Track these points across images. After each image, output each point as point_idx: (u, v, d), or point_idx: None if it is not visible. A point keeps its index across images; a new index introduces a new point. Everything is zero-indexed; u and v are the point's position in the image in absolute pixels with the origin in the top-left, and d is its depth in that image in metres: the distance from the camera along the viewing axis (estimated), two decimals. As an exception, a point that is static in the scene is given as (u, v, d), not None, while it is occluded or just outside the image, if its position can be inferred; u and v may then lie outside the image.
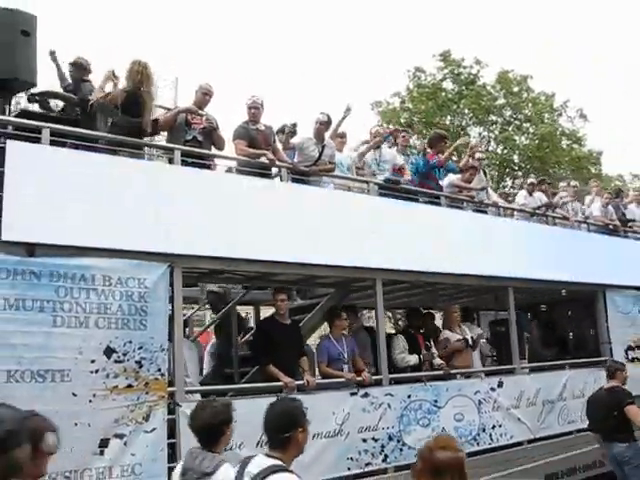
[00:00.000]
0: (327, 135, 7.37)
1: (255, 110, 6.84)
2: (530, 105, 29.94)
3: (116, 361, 5.36)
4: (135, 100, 5.83)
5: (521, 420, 7.93)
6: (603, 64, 60.46)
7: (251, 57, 70.90)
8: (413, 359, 7.44)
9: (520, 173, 29.84)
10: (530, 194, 9.34)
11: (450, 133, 29.04)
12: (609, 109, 59.08)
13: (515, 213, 8.91)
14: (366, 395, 6.71)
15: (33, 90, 6.32)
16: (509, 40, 52.50)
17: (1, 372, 4.90)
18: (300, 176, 6.87)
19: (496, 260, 7.96)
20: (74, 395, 5.14)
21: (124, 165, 5.77)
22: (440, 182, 8.22)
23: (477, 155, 8.81)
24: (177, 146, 6.09)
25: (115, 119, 5.82)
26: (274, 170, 6.85)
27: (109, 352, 5.35)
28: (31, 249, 5.20)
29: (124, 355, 5.41)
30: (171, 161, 6.08)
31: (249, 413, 5.78)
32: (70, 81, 6.59)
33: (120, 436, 5.33)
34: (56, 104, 6.46)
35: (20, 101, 7.40)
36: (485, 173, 9.19)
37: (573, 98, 34.58)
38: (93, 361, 5.26)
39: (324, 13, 71.16)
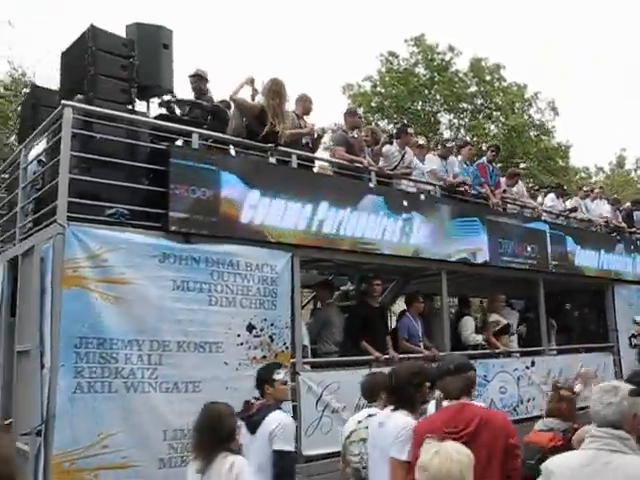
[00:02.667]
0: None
1: (353, 118, 7.82)
2: (501, 94, 30.35)
3: (255, 336, 6.33)
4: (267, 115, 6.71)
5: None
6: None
7: (222, 38, 70.72)
8: (480, 338, 8.56)
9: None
10: (557, 197, 10.59)
11: (420, 119, 30.04)
12: (580, 102, 60.68)
13: (544, 214, 10.11)
14: (436, 368, 7.81)
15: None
16: (483, 28, 53.32)
17: (173, 342, 5.82)
18: (384, 178, 7.88)
19: (531, 256, 9.19)
20: (225, 364, 6.09)
21: (262, 168, 6.71)
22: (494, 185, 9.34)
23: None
24: (295, 151, 7.01)
25: (249, 125, 6.69)
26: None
27: (250, 328, 6.31)
28: (187, 238, 6.09)
29: (261, 331, 6.37)
30: (286, 163, 7.00)
31: (348, 381, 6.90)
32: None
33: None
34: (182, 109, 7.25)
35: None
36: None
37: (544, 89, 35.58)
38: (239, 335, 6.22)
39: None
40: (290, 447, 4.53)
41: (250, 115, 6.72)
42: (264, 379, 4.87)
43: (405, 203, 7.80)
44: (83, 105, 5.82)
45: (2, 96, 21.33)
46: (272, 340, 6.44)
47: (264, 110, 6.66)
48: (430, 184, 8.39)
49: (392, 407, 4.11)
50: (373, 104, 30.37)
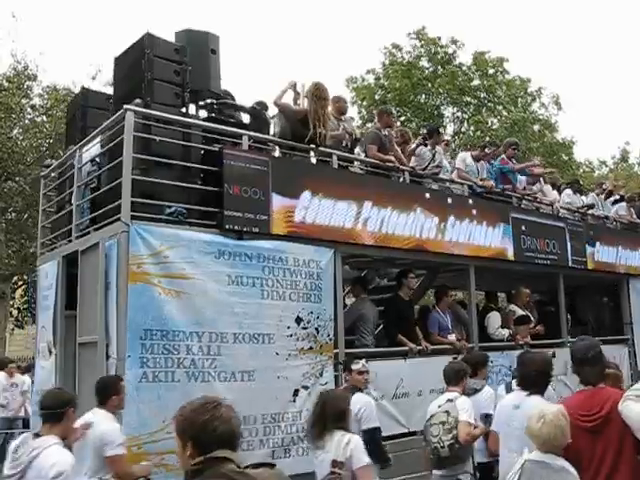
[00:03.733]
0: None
1: (389, 118, 8.17)
2: (504, 88, 30.25)
3: (303, 328, 6.67)
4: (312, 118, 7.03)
5: (567, 385, 9.51)
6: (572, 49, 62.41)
7: (222, 30, 70.67)
8: (506, 333, 8.91)
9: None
10: (574, 193, 10.97)
11: (424, 112, 30.25)
12: (583, 96, 60.85)
13: (561, 210, 10.47)
14: (463, 361, 8.16)
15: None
16: (487, 22, 53.41)
17: (230, 334, 6.15)
18: (416, 177, 8.23)
19: (551, 252, 9.57)
20: (277, 354, 6.43)
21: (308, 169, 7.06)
22: (516, 184, 9.70)
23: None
24: (335, 151, 7.34)
25: (293, 128, 7.03)
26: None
27: (298, 320, 6.64)
28: (240, 235, 6.42)
29: (308, 323, 6.71)
30: (327, 163, 7.33)
31: (385, 371, 7.25)
32: None
33: (305, 387, 6.64)
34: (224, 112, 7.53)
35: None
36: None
37: (549, 84, 35.68)
38: (288, 327, 6.56)
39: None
40: (376, 424, 5.09)
41: (294, 119, 7.05)
42: (345, 368, 5.34)
43: (437, 202, 8.13)
44: (143, 109, 6.13)
45: (5, 89, 21.57)
46: (318, 332, 6.78)
47: (307, 114, 6.98)
48: (459, 183, 8.72)
49: (526, 392, 4.59)
50: (377, 97, 30.58)
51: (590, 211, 10.91)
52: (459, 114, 31.88)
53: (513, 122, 29.51)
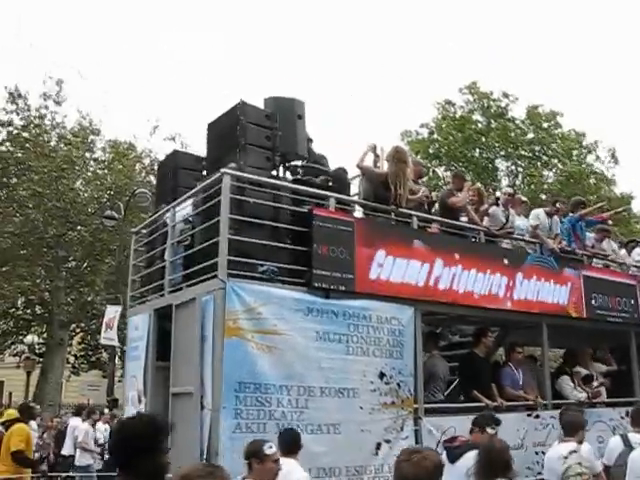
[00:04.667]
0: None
1: (461, 181, 8.47)
2: (559, 141, 30.50)
3: (386, 383, 6.88)
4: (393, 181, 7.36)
5: (639, 443, 9.46)
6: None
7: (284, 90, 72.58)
8: (583, 396, 8.93)
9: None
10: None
11: (477, 166, 30.39)
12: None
13: (632, 268, 10.52)
14: (537, 417, 8.22)
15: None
16: (540, 76, 53.74)
17: (317, 388, 6.41)
18: (491, 237, 8.46)
19: (623, 309, 9.64)
20: (361, 408, 6.64)
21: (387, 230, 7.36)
22: (585, 241, 9.84)
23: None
24: (415, 212, 7.64)
25: (376, 190, 7.36)
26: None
27: (381, 376, 6.86)
28: (327, 293, 6.71)
29: (390, 378, 6.92)
30: (408, 224, 7.62)
31: (462, 427, 7.35)
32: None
33: (387, 441, 6.81)
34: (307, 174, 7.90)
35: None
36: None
37: (603, 137, 35.52)
38: (372, 382, 6.78)
39: (349, 41, 72.92)
40: None
41: (377, 181, 7.39)
42: (478, 425, 5.81)
43: (507, 261, 8.33)
44: (239, 173, 6.51)
45: (70, 143, 22.56)
46: (399, 387, 6.98)
47: (388, 176, 7.31)
48: (533, 242, 8.91)
49: None
50: (430, 150, 31.04)
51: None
52: (513, 167, 32.19)
53: (569, 175, 29.57)
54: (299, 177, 7.54)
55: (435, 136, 31.40)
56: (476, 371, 7.97)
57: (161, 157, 23.84)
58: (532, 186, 30.11)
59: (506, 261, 8.29)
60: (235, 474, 5.80)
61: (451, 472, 5.05)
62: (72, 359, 26.39)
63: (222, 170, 6.40)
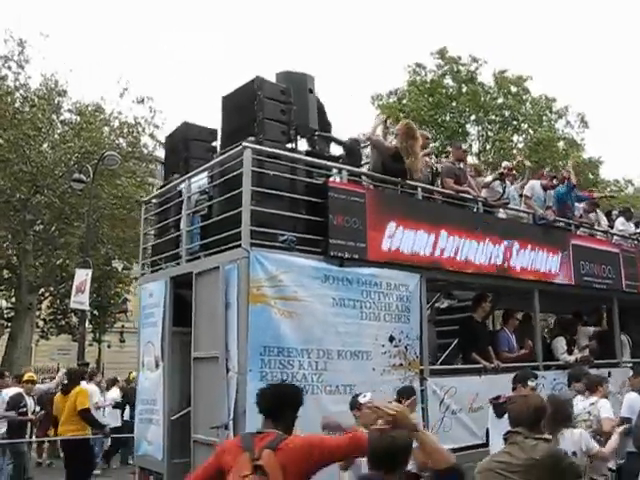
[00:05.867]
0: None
1: (460, 152, 8.83)
2: (529, 106, 31.03)
3: (395, 346, 7.29)
4: (401, 155, 7.69)
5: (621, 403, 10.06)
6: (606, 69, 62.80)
7: (251, 49, 72.16)
8: (572, 358, 9.47)
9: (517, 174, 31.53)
10: (627, 221, 11.57)
11: (446, 130, 30.70)
12: (609, 115, 61.32)
13: (614, 237, 11.07)
14: (530, 378, 8.73)
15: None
16: (507, 40, 54.19)
17: (334, 351, 6.78)
18: (488, 207, 8.87)
19: (607, 277, 10.18)
20: (373, 370, 7.04)
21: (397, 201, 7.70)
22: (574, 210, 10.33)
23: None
24: (420, 184, 7.99)
25: (385, 162, 7.69)
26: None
27: (391, 339, 7.26)
28: (341, 262, 7.05)
29: (399, 342, 7.33)
30: (413, 195, 7.98)
31: (462, 387, 7.83)
32: None
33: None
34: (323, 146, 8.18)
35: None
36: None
37: (572, 102, 35.81)
38: (383, 345, 7.18)
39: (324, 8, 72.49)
40: None
41: (386, 154, 7.71)
42: (519, 381, 6.57)
43: (507, 230, 8.76)
44: (260, 147, 6.77)
45: (36, 105, 22.15)
46: (407, 350, 7.39)
47: (398, 150, 7.64)
48: (526, 212, 9.36)
49: None
50: (402, 114, 31.13)
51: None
52: (483, 132, 32.61)
53: (538, 140, 30.03)
54: (311, 149, 7.77)
55: (405, 101, 31.50)
56: (474, 334, 8.43)
57: (131, 120, 23.92)
58: (502, 151, 30.49)
59: (503, 230, 8.70)
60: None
61: (500, 426, 5.86)
62: (41, 323, 26.18)
63: (244, 144, 6.64)
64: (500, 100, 31.34)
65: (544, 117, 31.23)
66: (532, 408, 3.96)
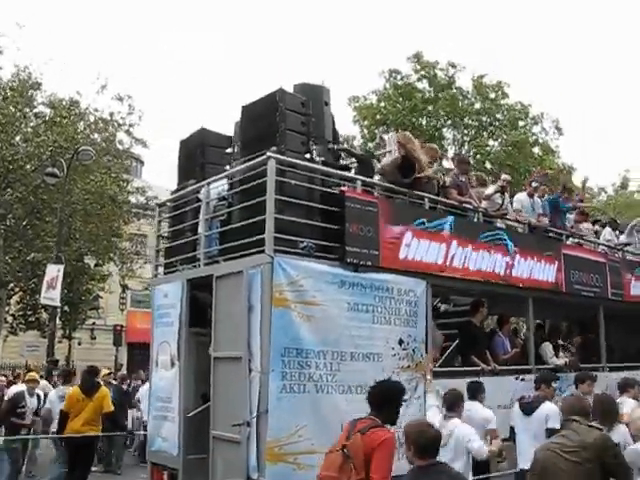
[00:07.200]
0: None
1: (466, 166, 9.26)
2: (505, 112, 31.31)
3: (403, 349, 7.67)
4: (406, 164, 8.09)
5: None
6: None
7: (251, 49, 72.14)
8: (560, 362, 9.96)
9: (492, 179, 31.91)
10: (614, 230, 12.12)
11: (424, 134, 30.98)
12: (583, 123, 62.23)
13: (600, 247, 11.61)
14: (523, 380, 9.18)
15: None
16: (488, 49, 54.77)
17: (348, 353, 7.15)
18: (488, 218, 9.32)
19: (595, 285, 10.72)
20: (383, 371, 7.37)
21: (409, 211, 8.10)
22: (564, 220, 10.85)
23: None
24: (424, 194, 8.40)
25: (388, 176, 8.11)
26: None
27: (400, 342, 7.65)
28: (356, 268, 7.42)
29: (407, 345, 7.72)
30: (421, 205, 8.38)
31: (461, 388, 8.22)
32: None
33: (404, 400, 7.60)
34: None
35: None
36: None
37: (547, 108, 36.33)
38: (393, 348, 7.56)
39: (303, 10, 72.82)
40: (558, 425, 6.38)
41: (393, 169, 8.13)
42: (543, 381, 7.59)
43: (509, 242, 9.21)
44: (283, 157, 7.10)
45: (8, 97, 21.87)
46: (414, 352, 7.78)
47: (403, 159, 8.05)
48: (521, 223, 9.84)
49: None
50: (378, 117, 31.53)
51: (627, 248, 12.05)
52: (459, 137, 33.10)
53: (513, 144, 30.40)
54: (326, 160, 8.09)
55: (382, 104, 31.73)
56: (474, 338, 8.86)
57: (106, 116, 23.81)
58: (478, 156, 30.82)
59: (508, 242, 9.16)
60: (281, 430, 6.57)
61: (529, 422, 7.06)
62: (10, 319, 25.85)
63: (268, 154, 6.95)
64: (477, 105, 31.65)
65: (520, 122, 31.59)
66: (583, 403, 4.87)
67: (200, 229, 7.95)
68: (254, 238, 6.94)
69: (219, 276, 7.36)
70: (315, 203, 7.41)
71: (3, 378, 15.30)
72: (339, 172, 7.76)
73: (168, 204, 9.03)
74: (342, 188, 7.53)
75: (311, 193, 7.45)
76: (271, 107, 7.50)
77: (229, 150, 8.66)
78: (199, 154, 8.60)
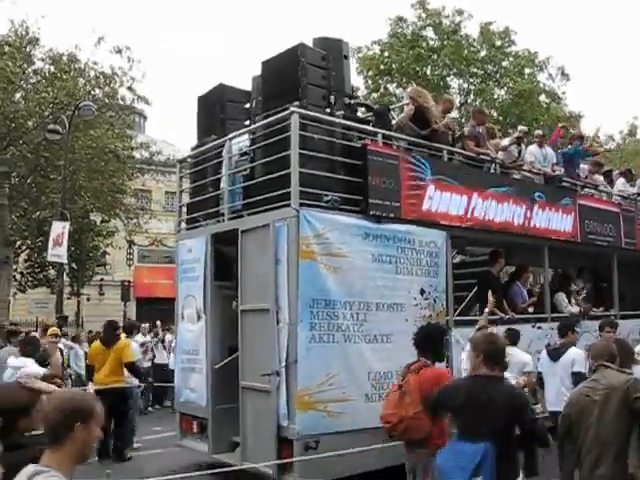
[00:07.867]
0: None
1: (483, 116, 9.30)
2: (511, 59, 30.52)
3: (425, 299, 7.83)
4: (420, 117, 8.15)
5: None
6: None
7: (251, 49, 71.16)
8: (575, 309, 10.16)
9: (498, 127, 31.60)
10: (627, 182, 12.18)
11: (430, 82, 30.74)
12: (591, 70, 61.18)
13: (614, 197, 11.71)
14: (539, 328, 9.38)
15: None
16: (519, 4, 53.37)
17: (373, 304, 7.31)
18: (505, 169, 9.40)
19: (608, 234, 10.86)
20: (406, 320, 7.57)
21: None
22: (577, 170, 10.93)
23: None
24: (443, 146, 8.46)
25: (406, 130, 8.17)
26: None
27: (422, 292, 7.81)
28: (379, 220, 7.54)
29: (428, 294, 7.88)
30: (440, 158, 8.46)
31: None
32: None
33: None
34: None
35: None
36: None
37: (556, 56, 35.82)
38: (415, 298, 7.72)
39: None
40: (584, 370, 6.74)
41: (407, 120, 8.18)
42: (568, 328, 7.83)
43: (522, 191, 9.31)
44: (306, 112, 7.15)
45: (6, 53, 21.46)
46: (435, 302, 7.95)
47: (416, 111, 8.11)
48: (537, 174, 9.91)
49: None
50: (382, 67, 31.08)
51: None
52: (465, 85, 32.68)
53: (519, 93, 30.01)
54: (344, 113, 8.13)
55: (386, 53, 30.84)
56: (492, 287, 8.98)
57: (107, 70, 23.18)
58: (484, 103, 30.44)
59: (519, 192, 9.25)
60: (312, 379, 6.76)
61: (557, 367, 7.29)
62: (18, 276, 25.98)
63: (291, 108, 7.00)
64: (483, 53, 31.04)
65: (526, 70, 31.12)
66: (610, 348, 4.99)
67: (223, 184, 8.02)
68: (279, 192, 7.02)
69: (244, 230, 7.48)
70: (337, 157, 7.46)
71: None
72: (360, 126, 7.79)
73: (189, 160, 9.07)
74: (364, 141, 7.59)
75: (333, 147, 7.51)
76: (292, 62, 7.52)
77: (247, 105, 8.68)
78: (218, 110, 8.63)
